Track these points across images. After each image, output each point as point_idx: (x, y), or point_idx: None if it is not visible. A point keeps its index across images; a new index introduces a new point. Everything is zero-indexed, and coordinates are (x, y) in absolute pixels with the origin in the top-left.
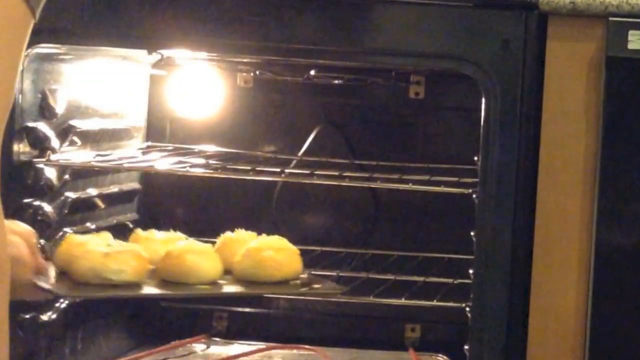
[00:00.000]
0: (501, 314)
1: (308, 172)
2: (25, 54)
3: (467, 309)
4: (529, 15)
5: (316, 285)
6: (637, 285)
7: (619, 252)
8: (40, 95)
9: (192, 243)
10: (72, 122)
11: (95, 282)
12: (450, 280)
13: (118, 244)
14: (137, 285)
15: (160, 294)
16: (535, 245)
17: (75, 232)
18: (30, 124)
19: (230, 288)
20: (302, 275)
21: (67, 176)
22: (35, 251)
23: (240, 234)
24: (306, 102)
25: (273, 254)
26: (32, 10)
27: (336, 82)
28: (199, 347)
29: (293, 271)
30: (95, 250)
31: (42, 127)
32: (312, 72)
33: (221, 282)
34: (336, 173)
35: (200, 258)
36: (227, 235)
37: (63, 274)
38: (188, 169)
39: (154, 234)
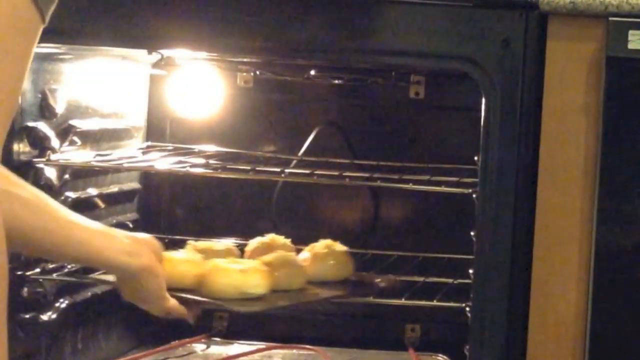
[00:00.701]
0: (501, 314)
1: (308, 172)
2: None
3: (467, 309)
4: (529, 15)
5: (377, 280)
6: (637, 285)
7: (619, 252)
8: (40, 95)
9: (284, 254)
10: (72, 122)
11: (233, 297)
12: (450, 280)
13: (230, 260)
14: (265, 296)
15: (292, 304)
16: (535, 245)
17: None
18: (30, 124)
19: (324, 293)
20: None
21: (67, 176)
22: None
23: (274, 238)
24: (306, 102)
25: (340, 256)
26: (41, 13)
27: (336, 82)
28: (199, 347)
29: (352, 270)
30: (230, 267)
31: (42, 127)
32: (312, 72)
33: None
34: (336, 173)
35: (296, 268)
36: (259, 239)
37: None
38: (188, 169)
39: (212, 245)
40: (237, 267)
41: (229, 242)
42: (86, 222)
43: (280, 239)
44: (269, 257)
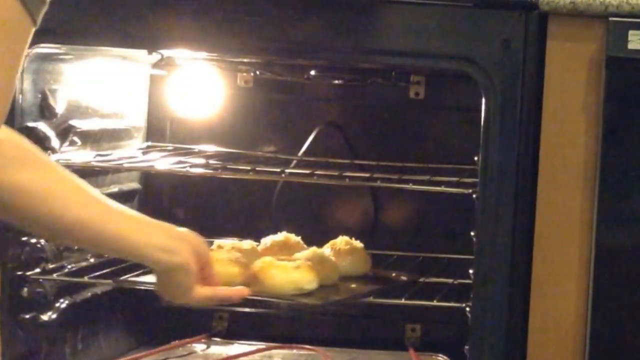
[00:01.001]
0: (501, 314)
1: (308, 172)
2: (25, 54)
3: (467, 309)
4: (529, 15)
5: (394, 275)
6: (637, 286)
7: (619, 252)
8: (40, 95)
9: (318, 251)
10: (72, 122)
11: (289, 293)
12: (450, 280)
13: (278, 257)
14: (315, 291)
15: (346, 298)
16: (536, 245)
17: None
18: (30, 124)
19: (359, 288)
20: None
21: None
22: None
23: (287, 236)
24: (306, 102)
25: (361, 252)
26: (32, 16)
27: (336, 82)
28: (199, 347)
29: (370, 266)
30: (286, 264)
31: (42, 127)
32: (312, 72)
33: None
34: (336, 173)
35: (332, 264)
36: (272, 238)
37: None
38: (188, 169)
39: (240, 244)
40: (292, 264)
41: (234, 242)
42: (123, 214)
43: (294, 238)
44: (304, 254)
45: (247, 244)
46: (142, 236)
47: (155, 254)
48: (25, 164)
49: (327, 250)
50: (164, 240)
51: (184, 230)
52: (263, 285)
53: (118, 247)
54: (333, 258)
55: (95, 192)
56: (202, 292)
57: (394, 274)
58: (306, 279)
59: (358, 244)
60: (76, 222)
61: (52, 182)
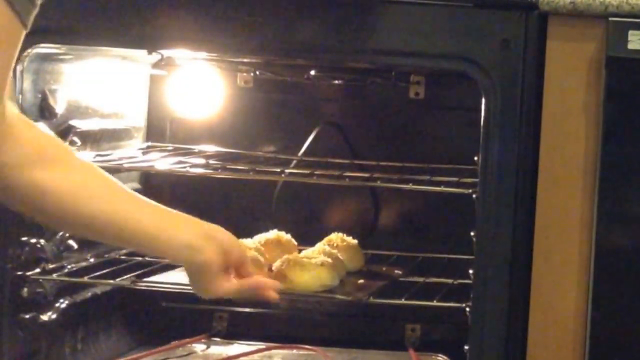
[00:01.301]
0: (501, 313)
1: (308, 172)
2: (25, 54)
3: (467, 309)
4: (529, 15)
5: (384, 268)
6: (637, 286)
7: (619, 252)
8: (40, 95)
9: (325, 248)
10: (72, 122)
11: (314, 289)
12: (450, 281)
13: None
14: (335, 287)
15: (369, 294)
16: (535, 245)
17: None
18: None
19: (367, 283)
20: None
21: None
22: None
23: (279, 235)
24: (306, 102)
25: (356, 248)
26: (21, 19)
27: (336, 82)
28: (199, 347)
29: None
30: (310, 262)
31: (42, 127)
32: (312, 72)
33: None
34: (336, 173)
35: (340, 262)
36: (264, 236)
37: None
38: (188, 169)
39: (242, 242)
40: (316, 262)
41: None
42: (150, 209)
43: (285, 236)
44: (314, 252)
45: (251, 243)
46: (167, 232)
47: (183, 251)
48: (49, 162)
49: (325, 247)
50: (190, 237)
51: (218, 228)
52: (292, 282)
53: (140, 242)
54: (340, 255)
55: (123, 188)
56: (227, 287)
57: (384, 268)
58: (330, 276)
59: (352, 240)
60: (95, 218)
61: (76, 180)
